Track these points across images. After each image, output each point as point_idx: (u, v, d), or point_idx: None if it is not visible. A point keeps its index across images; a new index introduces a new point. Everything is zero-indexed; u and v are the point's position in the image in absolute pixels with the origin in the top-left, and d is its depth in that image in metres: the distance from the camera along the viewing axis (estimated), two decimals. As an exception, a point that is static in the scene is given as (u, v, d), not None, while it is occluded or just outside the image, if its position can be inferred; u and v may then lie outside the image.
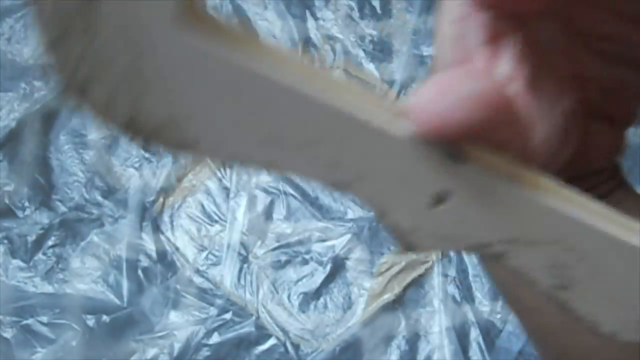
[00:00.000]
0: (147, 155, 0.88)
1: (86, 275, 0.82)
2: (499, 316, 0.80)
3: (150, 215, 0.85)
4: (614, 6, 0.18)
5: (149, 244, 0.84)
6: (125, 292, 0.81)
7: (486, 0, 0.17)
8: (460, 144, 0.16)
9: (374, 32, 0.92)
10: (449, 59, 0.17)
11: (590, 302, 0.18)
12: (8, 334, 0.79)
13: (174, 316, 0.81)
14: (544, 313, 0.23)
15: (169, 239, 0.84)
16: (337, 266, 0.82)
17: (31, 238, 0.83)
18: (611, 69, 0.20)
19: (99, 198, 0.86)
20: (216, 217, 0.85)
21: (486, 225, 0.16)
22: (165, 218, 0.85)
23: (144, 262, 0.83)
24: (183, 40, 0.13)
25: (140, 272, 0.82)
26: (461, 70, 0.17)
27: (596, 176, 0.21)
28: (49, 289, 0.81)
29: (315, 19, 0.93)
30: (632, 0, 0.18)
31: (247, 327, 0.80)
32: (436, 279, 0.82)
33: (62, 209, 0.85)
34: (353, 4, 0.94)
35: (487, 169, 0.16)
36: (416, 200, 0.16)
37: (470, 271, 0.82)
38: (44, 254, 0.83)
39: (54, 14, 0.12)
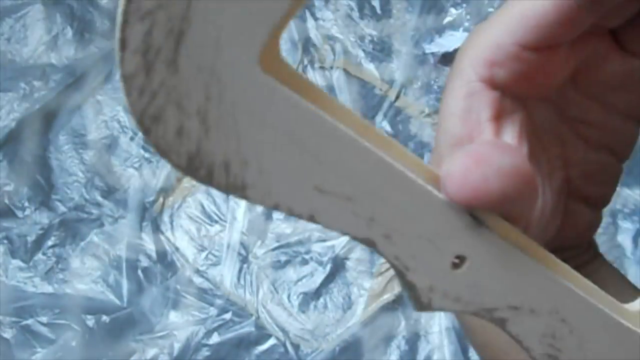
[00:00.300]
0: (147, 155, 0.88)
1: (86, 276, 0.82)
2: (498, 316, 0.80)
3: (150, 216, 0.85)
4: (605, 99, 0.20)
5: (149, 244, 0.84)
6: (125, 292, 0.81)
7: (495, 81, 0.18)
8: (484, 210, 0.17)
9: (374, 32, 0.92)
10: (457, 131, 0.19)
11: None
12: (8, 334, 0.79)
13: (173, 316, 0.81)
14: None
15: (168, 239, 0.84)
16: (337, 266, 0.82)
17: (31, 238, 0.83)
18: (594, 155, 0.21)
19: (99, 198, 0.86)
20: (216, 217, 0.85)
21: (495, 291, 0.17)
22: (165, 218, 0.85)
23: (144, 262, 0.83)
24: (263, 81, 0.14)
25: (140, 272, 0.82)
26: (492, 143, 0.18)
27: (570, 250, 0.23)
28: (48, 289, 0.82)
29: (315, 19, 0.93)
30: (621, 95, 0.20)
31: (247, 327, 0.80)
32: (436, 279, 0.82)
33: (62, 209, 0.85)
34: (353, 4, 0.94)
35: (501, 236, 0.17)
36: (439, 261, 0.17)
37: (470, 271, 0.82)
38: (44, 254, 0.83)
39: (140, 47, 0.13)
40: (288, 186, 0.15)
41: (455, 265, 0.17)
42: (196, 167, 0.14)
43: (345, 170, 0.15)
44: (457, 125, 0.18)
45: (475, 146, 0.17)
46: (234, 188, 0.15)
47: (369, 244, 0.16)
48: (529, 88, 0.19)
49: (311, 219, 0.15)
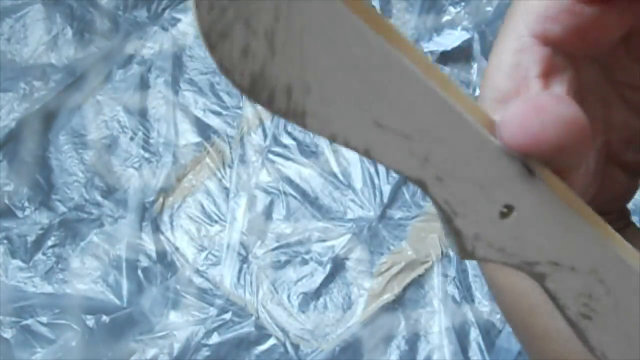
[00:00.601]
0: (147, 155, 0.88)
1: (86, 275, 0.82)
2: (498, 316, 0.80)
3: (150, 216, 0.85)
4: None
5: (149, 244, 0.84)
6: (125, 292, 0.81)
7: (547, 37, 0.18)
8: (537, 160, 0.17)
9: (374, 32, 0.92)
10: (503, 87, 0.18)
11: (606, 335, 0.18)
12: (8, 334, 0.79)
13: (173, 316, 0.81)
14: (553, 339, 0.23)
15: (168, 239, 0.84)
16: (337, 266, 0.82)
17: (31, 238, 0.83)
18: (637, 120, 0.21)
19: (99, 198, 0.86)
20: (216, 217, 0.85)
21: (539, 244, 0.17)
22: (165, 218, 0.85)
23: (144, 262, 0.83)
24: (334, 7, 0.14)
25: (140, 272, 0.82)
26: (550, 94, 0.18)
27: (604, 216, 0.23)
28: (48, 289, 0.81)
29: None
30: None
31: (247, 327, 0.80)
32: (436, 279, 0.82)
33: (62, 209, 0.85)
34: (353, 4, 0.94)
35: (551, 189, 0.17)
36: (487, 208, 0.17)
37: (470, 271, 0.82)
38: (44, 254, 0.83)
39: None
40: (347, 117, 0.15)
41: (503, 215, 0.17)
42: (258, 90, 0.14)
43: (406, 106, 0.15)
44: (504, 80, 0.18)
45: (533, 95, 0.17)
46: (293, 115, 0.15)
47: (420, 185, 0.16)
48: (581, 45, 0.19)
49: (366, 153, 0.16)
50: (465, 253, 0.17)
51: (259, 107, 0.89)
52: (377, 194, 0.84)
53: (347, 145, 0.15)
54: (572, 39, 0.18)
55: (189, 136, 0.88)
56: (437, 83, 0.16)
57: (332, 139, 0.15)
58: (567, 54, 0.19)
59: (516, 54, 0.18)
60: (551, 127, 0.16)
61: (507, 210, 0.17)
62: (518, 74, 0.18)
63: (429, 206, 0.84)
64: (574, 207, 0.17)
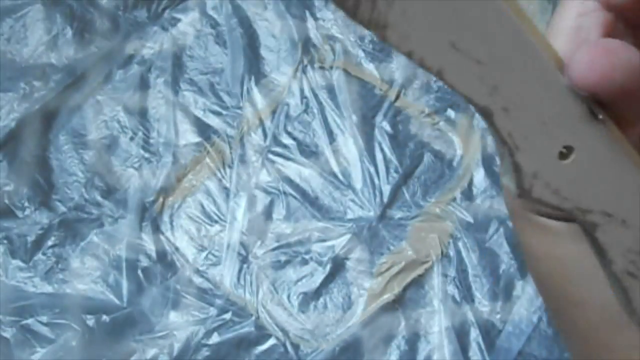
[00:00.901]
0: (147, 155, 0.88)
1: (86, 275, 0.82)
2: (498, 316, 0.80)
3: (150, 216, 0.85)
4: None
5: (149, 244, 0.84)
6: (125, 292, 0.81)
7: (610, 2, 0.18)
8: (601, 104, 0.17)
9: (374, 32, 0.92)
10: (563, 49, 0.19)
11: None
12: (8, 333, 0.79)
13: (173, 316, 0.81)
14: (588, 308, 0.23)
15: (168, 239, 0.84)
16: (337, 266, 0.82)
17: (31, 238, 0.83)
18: None
19: (99, 198, 0.85)
20: (216, 217, 0.85)
21: (594, 192, 0.17)
22: (165, 218, 0.85)
23: (144, 262, 0.83)
24: None
25: (140, 272, 0.82)
26: (621, 41, 0.18)
27: None
28: (48, 289, 0.81)
29: (315, 19, 0.93)
30: None
31: (247, 327, 0.80)
32: (436, 279, 0.82)
33: (62, 209, 0.85)
34: (353, 4, 0.93)
35: (611, 137, 0.17)
36: (548, 146, 0.17)
37: (470, 271, 0.82)
38: (44, 254, 0.83)
39: None
40: (426, 35, 0.15)
41: (563, 155, 0.17)
42: None
43: (483, 32, 0.16)
44: (565, 43, 0.19)
45: (603, 39, 0.18)
46: (375, 25, 0.15)
47: (487, 114, 0.17)
48: None
49: (439, 74, 0.16)
50: (522, 191, 0.17)
51: (259, 107, 0.89)
52: (377, 194, 0.84)
53: (422, 63, 0.16)
54: (634, 7, 0.19)
55: (189, 136, 0.88)
56: (515, 14, 0.16)
57: (409, 56, 0.16)
58: (628, 23, 0.19)
59: (578, 17, 0.19)
60: (620, 69, 0.16)
61: (567, 151, 0.17)
62: (579, 37, 0.18)
63: (429, 206, 0.84)
64: (631, 159, 0.17)
